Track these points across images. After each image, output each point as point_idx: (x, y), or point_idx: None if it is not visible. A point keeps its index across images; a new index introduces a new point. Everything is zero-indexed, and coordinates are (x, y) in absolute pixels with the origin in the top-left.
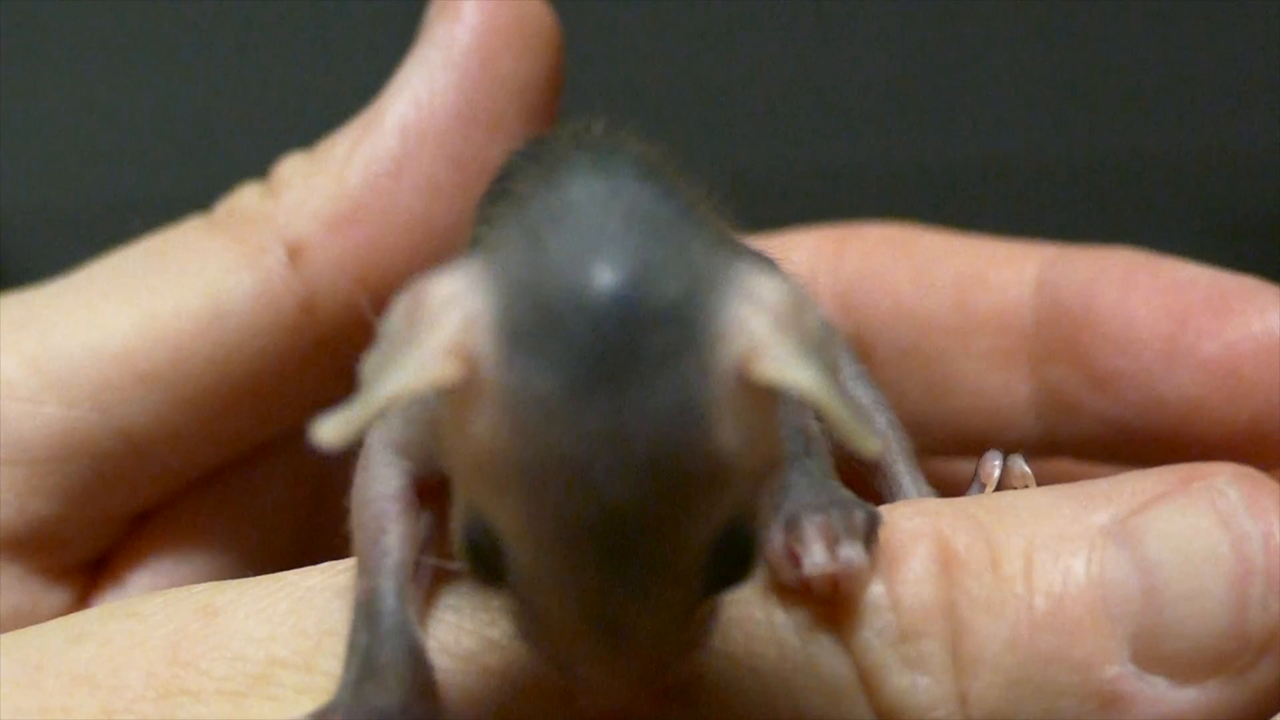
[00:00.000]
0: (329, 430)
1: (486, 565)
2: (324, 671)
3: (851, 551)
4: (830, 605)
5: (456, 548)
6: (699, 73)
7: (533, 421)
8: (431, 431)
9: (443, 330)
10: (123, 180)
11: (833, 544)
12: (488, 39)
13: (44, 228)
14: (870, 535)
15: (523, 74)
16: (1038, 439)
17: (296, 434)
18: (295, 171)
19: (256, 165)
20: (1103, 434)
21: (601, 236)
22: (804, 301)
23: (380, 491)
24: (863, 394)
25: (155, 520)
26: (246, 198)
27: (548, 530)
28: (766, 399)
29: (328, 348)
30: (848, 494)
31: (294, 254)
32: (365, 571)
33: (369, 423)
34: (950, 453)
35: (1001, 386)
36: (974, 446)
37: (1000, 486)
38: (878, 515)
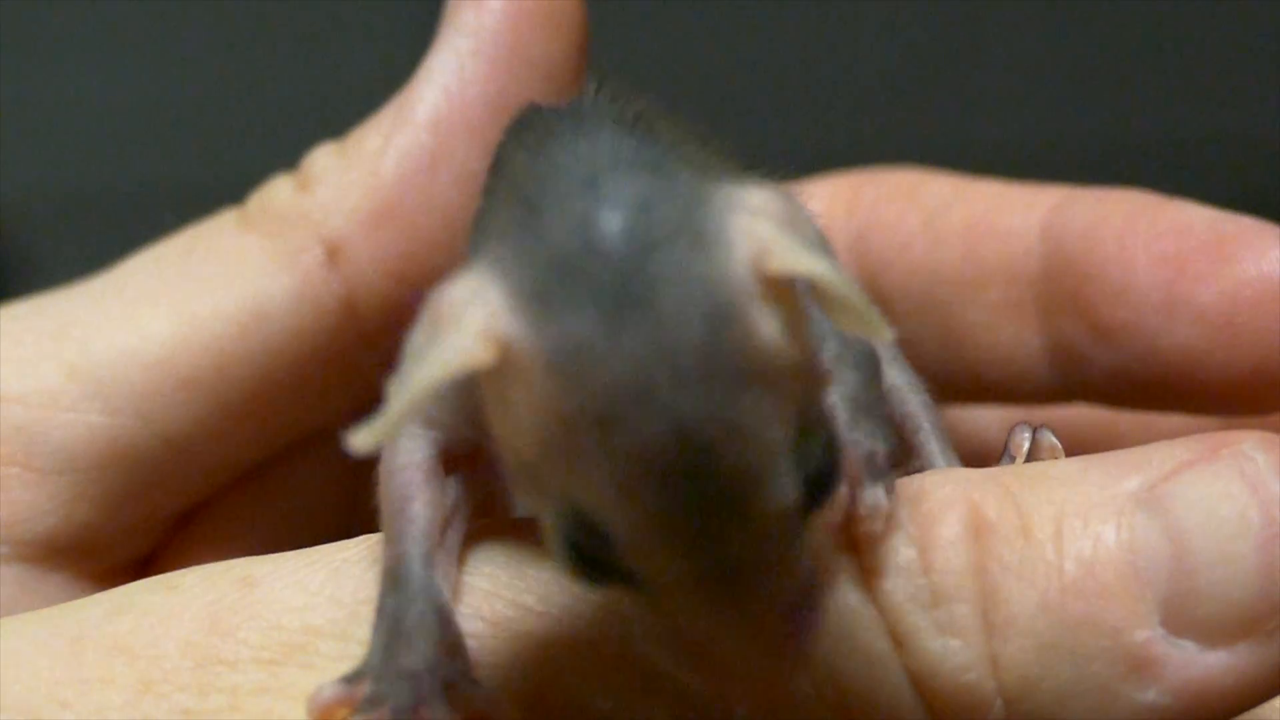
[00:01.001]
0: (363, 437)
1: (590, 560)
2: (360, 640)
3: (872, 495)
4: (853, 550)
5: (555, 558)
6: (715, 50)
7: (582, 368)
8: (457, 401)
9: (468, 321)
10: (125, 166)
11: (855, 485)
12: (515, 23)
13: (47, 213)
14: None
15: (550, 57)
16: (1052, 387)
17: (336, 428)
18: (327, 166)
19: (260, 149)
20: (1111, 383)
21: (592, 183)
22: (798, 207)
23: (407, 461)
24: (898, 376)
25: (199, 519)
26: (279, 193)
27: (634, 474)
28: (790, 296)
29: (368, 345)
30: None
31: (332, 253)
32: (391, 539)
33: (403, 423)
34: (967, 400)
35: (1013, 337)
36: (990, 394)
37: (1030, 459)
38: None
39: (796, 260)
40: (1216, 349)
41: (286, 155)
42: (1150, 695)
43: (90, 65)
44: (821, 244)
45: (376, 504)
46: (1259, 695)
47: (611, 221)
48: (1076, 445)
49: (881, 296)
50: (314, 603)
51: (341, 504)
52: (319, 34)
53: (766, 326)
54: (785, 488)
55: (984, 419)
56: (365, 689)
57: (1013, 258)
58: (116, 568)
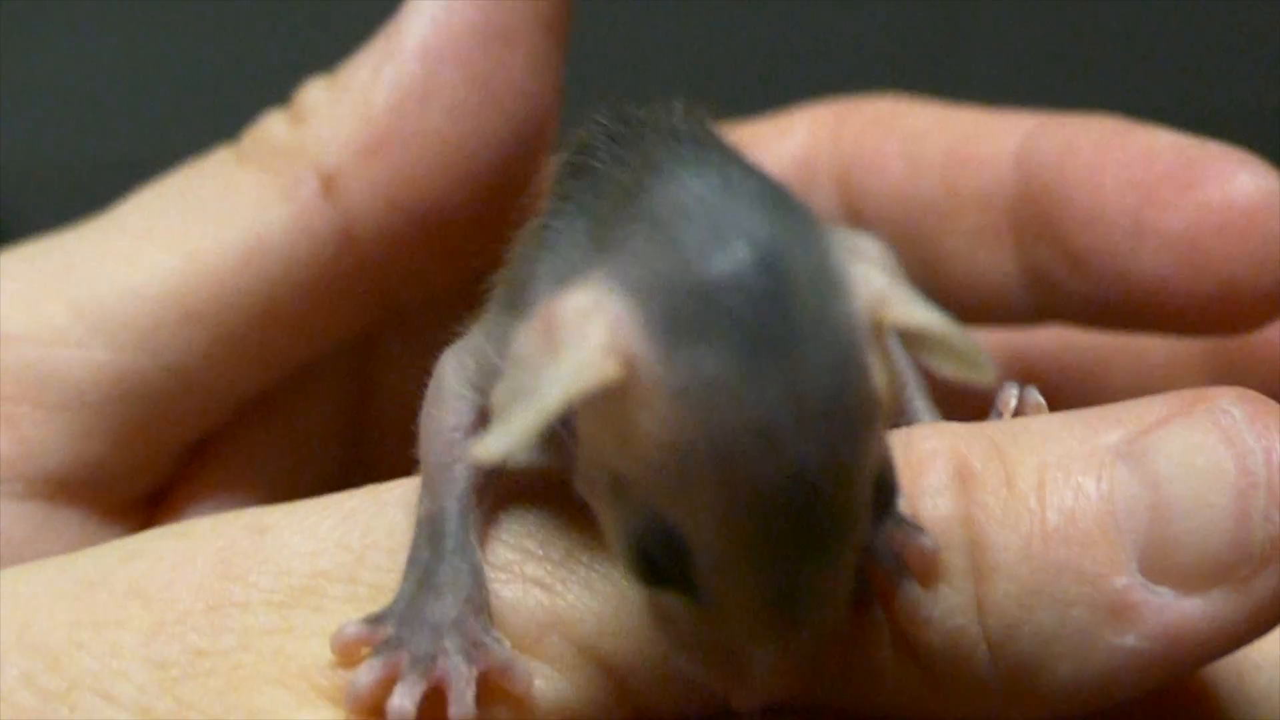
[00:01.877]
0: (490, 448)
1: (655, 567)
2: (367, 583)
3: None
4: None
5: (619, 559)
6: (705, 16)
7: (713, 404)
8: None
9: (592, 336)
10: (123, 138)
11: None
12: None
13: (44, 185)
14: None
15: None
16: (1029, 310)
17: (336, 353)
18: (319, 100)
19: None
20: (1085, 307)
21: (734, 222)
22: (892, 251)
23: (454, 423)
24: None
25: (207, 452)
26: (273, 127)
27: (739, 504)
28: (883, 337)
29: (366, 272)
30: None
31: (327, 184)
32: (433, 494)
33: (529, 437)
34: None
35: (991, 264)
36: (970, 318)
37: (1016, 416)
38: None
39: (912, 312)
40: (1183, 274)
41: None
42: (1129, 640)
43: (87, 37)
44: (907, 279)
45: (415, 454)
46: (1234, 641)
47: (754, 258)
48: (1057, 368)
49: (863, 224)
50: (323, 548)
51: (344, 429)
52: (316, 8)
53: (878, 376)
54: (866, 521)
55: None
56: (387, 632)
57: (988, 185)
58: (128, 502)
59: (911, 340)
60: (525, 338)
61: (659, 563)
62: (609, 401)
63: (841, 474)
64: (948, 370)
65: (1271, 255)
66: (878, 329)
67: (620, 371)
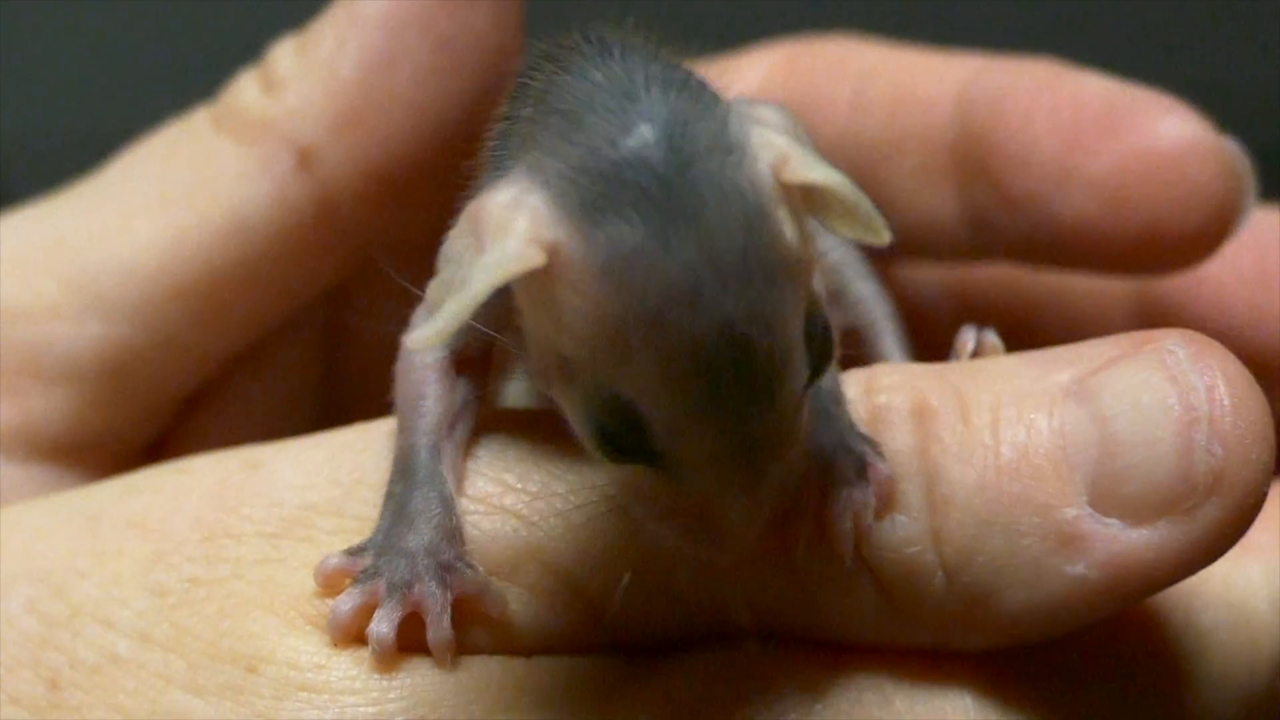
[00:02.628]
0: (421, 339)
1: (617, 442)
2: (354, 515)
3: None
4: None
5: (585, 441)
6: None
7: (635, 274)
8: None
9: (515, 227)
10: (124, 108)
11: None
12: None
13: (46, 155)
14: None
15: None
16: (970, 247)
17: (318, 305)
18: (290, 67)
19: None
20: (1020, 247)
21: (633, 103)
22: (794, 118)
23: (422, 361)
24: (864, 287)
25: (199, 404)
26: (247, 94)
27: (678, 366)
28: (794, 199)
29: (342, 234)
30: (854, 427)
31: (303, 159)
32: (404, 431)
33: (457, 324)
34: (896, 256)
35: (934, 202)
36: (917, 255)
37: (974, 357)
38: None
39: (810, 169)
40: (1108, 218)
41: None
42: (1079, 569)
43: (84, 6)
44: (815, 149)
45: (391, 396)
46: (1180, 570)
47: (655, 135)
48: (996, 309)
49: None
50: (313, 482)
51: (322, 370)
52: None
53: (788, 230)
54: (801, 370)
55: (915, 277)
56: (366, 562)
57: (930, 126)
58: (129, 456)
59: (811, 201)
60: (453, 237)
61: (619, 437)
62: (543, 289)
63: (767, 323)
64: (844, 231)
65: (1194, 200)
66: (785, 189)
67: (545, 258)
